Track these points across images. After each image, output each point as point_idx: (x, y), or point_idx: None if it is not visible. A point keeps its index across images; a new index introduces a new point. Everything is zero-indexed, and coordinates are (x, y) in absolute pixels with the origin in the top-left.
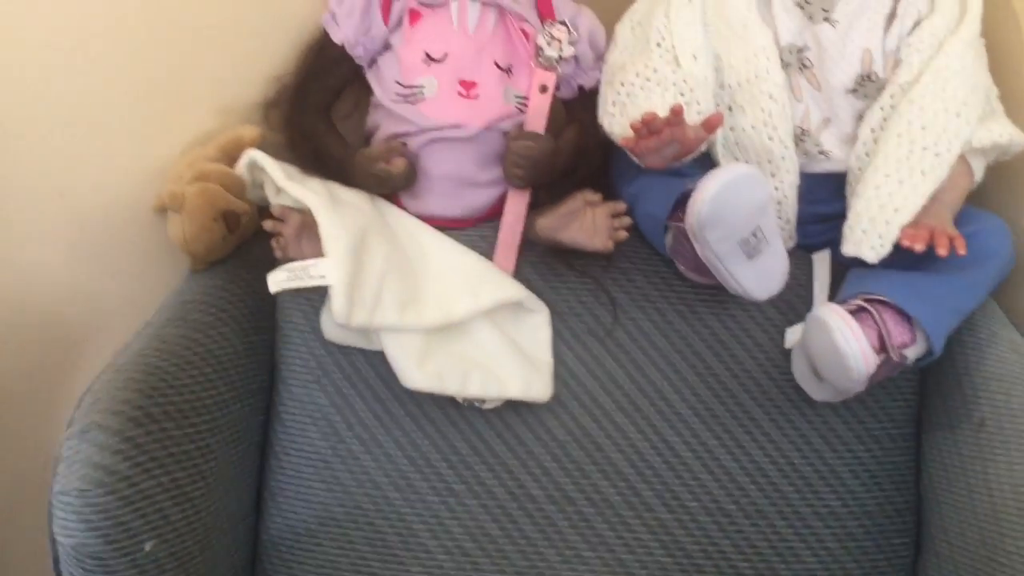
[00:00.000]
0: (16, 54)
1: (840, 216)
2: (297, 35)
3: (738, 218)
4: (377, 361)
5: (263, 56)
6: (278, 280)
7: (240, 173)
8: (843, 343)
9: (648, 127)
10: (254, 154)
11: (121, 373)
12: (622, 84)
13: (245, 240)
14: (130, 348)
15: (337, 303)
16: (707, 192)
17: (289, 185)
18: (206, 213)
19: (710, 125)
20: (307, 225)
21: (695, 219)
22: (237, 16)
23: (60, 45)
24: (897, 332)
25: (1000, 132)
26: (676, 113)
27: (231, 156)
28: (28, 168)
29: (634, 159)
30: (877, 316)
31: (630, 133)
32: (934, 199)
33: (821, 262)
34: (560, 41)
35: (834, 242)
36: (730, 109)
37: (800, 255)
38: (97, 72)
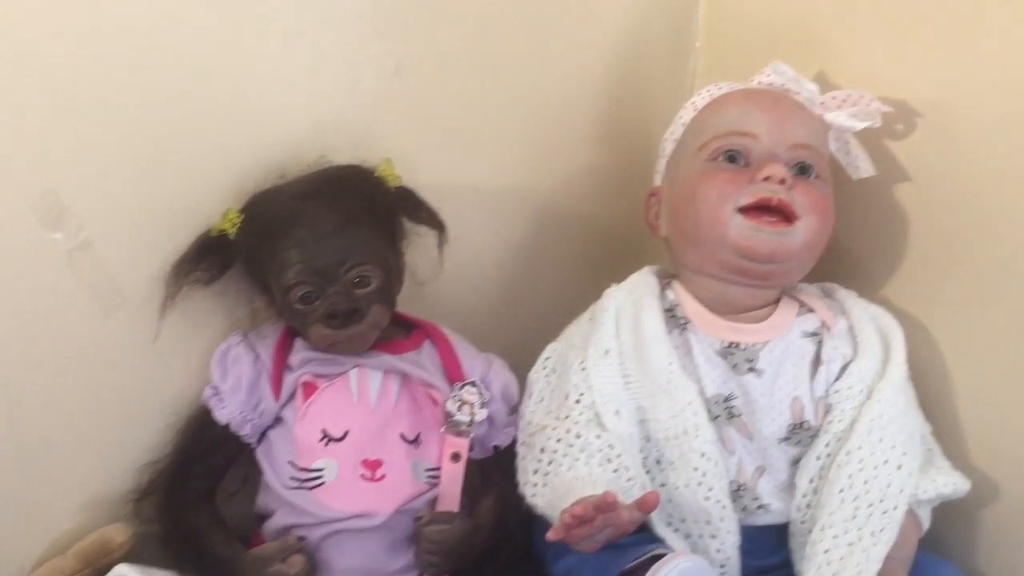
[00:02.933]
0: None
1: (784, 566)
2: (174, 414)
3: None
4: None
5: (134, 441)
6: None
7: None
8: None
9: (579, 520)
10: (123, 570)
11: None
12: (542, 451)
13: None
14: None
15: None
16: None
17: None
18: None
19: (646, 506)
20: None
21: None
22: (104, 398)
23: None
24: None
25: (944, 482)
26: (609, 504)
27: (96, 564)
28: None
29: None
30: None
31: (556, 507)
32: (887, 558)
33: None
34: (471, 404)
35: None
36: (658, 463)
37: None
38: None
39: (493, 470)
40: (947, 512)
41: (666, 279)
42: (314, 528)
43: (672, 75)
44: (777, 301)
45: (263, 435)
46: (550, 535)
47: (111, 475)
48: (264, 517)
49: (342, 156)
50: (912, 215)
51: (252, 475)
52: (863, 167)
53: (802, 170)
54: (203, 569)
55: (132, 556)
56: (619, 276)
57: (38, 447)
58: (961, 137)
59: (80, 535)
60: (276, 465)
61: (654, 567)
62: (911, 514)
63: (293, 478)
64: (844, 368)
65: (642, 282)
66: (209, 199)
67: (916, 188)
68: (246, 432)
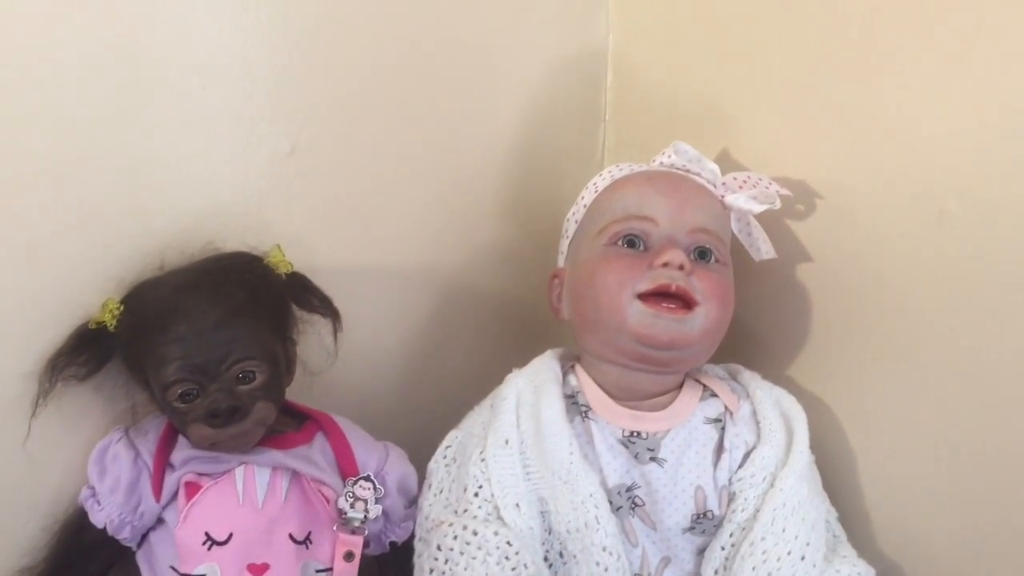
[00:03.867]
0: None
1: None
2: (48, 517)
3: None
4: None
5: (5, 545)
6: None
7: None
8: None
9: None
10: None
11: None
12: (439, 548)
13: None
14: None
15: None
16: None
17: None
18: None
19: None
20: None
21: None
22: None
23: None
24: None
25: (848, 572)
26: None
27: None
28: None
29: None
30: None
31: None
32: None
33: None
34: (365, 500)
35: None
36: (561, 556)
37: None
38: None
39: (390, 568)
40: None
41: (569, 363)
42: None
43: (582, 149)
44: (680, 386)
45: (144, 537)
46: None
47: None
48: None
49: (231, 243)
50: (814, 294)
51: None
52: (764, 249)
53: (701, 254)
54: None
55: None
56: (525, 356)
57: None
58: (860, 216)
59: None
60: (157, 570)
61: None
62: None
63: None
64: (747, 455)
65: (544, 367)
66: (88, 289)
67: (817, 267)
68: (125, 535)
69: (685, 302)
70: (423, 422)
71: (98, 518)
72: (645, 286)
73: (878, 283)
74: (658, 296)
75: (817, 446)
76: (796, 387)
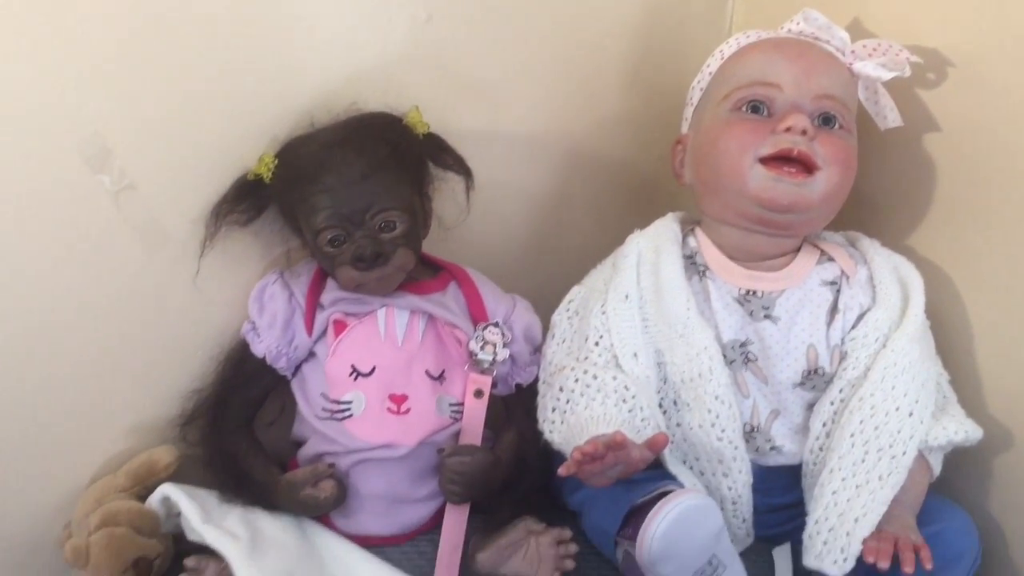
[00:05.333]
0: None
1: (797, 505)
2: (216, 346)
3: (691, 551)
4: None
5: (179, 370)
6: None
7: (153, 507)
8: None
9: (590, 456)
10: (168, 489)
11: None
12: (561, 390)
13: None
14: None
15: None
16: (656, 528)
17: (206, 530)
18: (114, 565)
19: (655, 446)
20: (225, 574)
21: (645, 555)
22: (150, 330)
23: None
24: None
25: (955, 429)
26: (619, 443)
27: (145, 482)
28: None
29: None
30: None
31: (571, 444)
32: (894, 500)
33: (782, 559)
34: (494, 344)
35: (794, 531)
36: (675, 404)
37: (760, 549)
38: None
39: (515, 407)
40: (961, 459)
41: (689, 226)
42: (343, 456)
43: (709, 21)
44: (798, 250)
45: (297, 368)
46: (561, 470)
47: (158, 402)
48: (299, 444)
49: (373, 104)
50: (939, 165)
51: (288, 406)
52: (891, 117)
53: (825, 120)
54: (242, 491)
55: (177, 477)
56: (646, 222)
57: (91, 376)
58: (992, 87)
59: (130, 456)
60: (309, 397)
61: (660, 503)
62: (921, 460)
63: (325, 409)
64: (861, 317)
65: (664, 229)
66: (246, 145)
67: (944, 137)
68: (281, 365)
69: (806, 166)
70: (547, 279)
71: (258, 349)
72: (767, 150)
73: (1005, 153)
74: (780, 160)
75: (933, 312)
76: (915, 255)
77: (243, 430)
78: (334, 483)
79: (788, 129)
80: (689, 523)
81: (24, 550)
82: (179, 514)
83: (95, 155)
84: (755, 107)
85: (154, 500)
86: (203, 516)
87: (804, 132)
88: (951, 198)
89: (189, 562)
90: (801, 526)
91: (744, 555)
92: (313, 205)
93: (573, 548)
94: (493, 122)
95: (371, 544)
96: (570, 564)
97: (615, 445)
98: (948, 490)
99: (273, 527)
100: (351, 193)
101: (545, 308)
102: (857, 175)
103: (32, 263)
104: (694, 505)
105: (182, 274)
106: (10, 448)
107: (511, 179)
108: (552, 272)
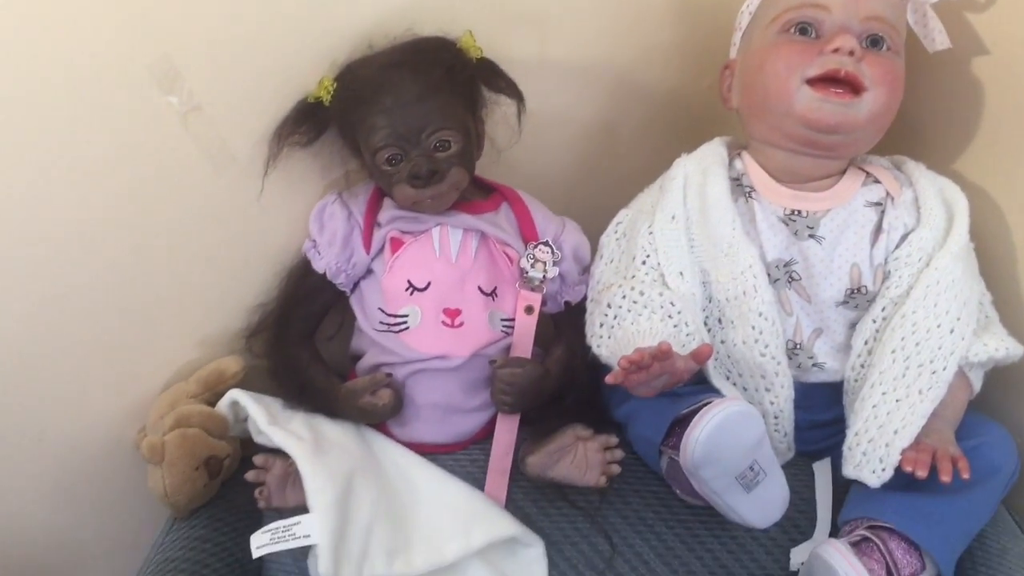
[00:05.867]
0: None
1: (838, 422)
2: (279, 263)
3: (733, 457)
4: None
5: (245, 286)
6: (260, 544)
7: (222, 411)
8: None
9: (636, 365)
10: (236, 394)
11: None
12: (609, 306)
13: (229, 479)
14: None
15: (323, 562)
16: (699, 433)
17: (272, 431)
18: (187, 463)
19: (700, 357)
20: (291, 472)
21: (689, 460)
22: (217, 247)
23: (34, 280)
24: (905, 562)
25: (996, 346)
26: (664, 352)
27: (214, 389)
28: (5, 415)
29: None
30: (883, 547)
31: (618, 357)
32: (934, 415)
33: (823, 472)
34: (544, 262)
35: (834, 447)
36: (719, 322)
37: (801, 463)
38: (75, 307)
39: (564, 324)
40: (1001, 377)
41: (736, 150)
42: (400, 367)
43: None
44: (843, 172)
45: (356, 285)
46: (608, 379)
47: (225, 316)
48: (357, 357)
49: (428, 29)
50: (987, 88)
51: (347, 321)
52: (939, 39)
53: (873, 42)
54: (304, 399)
55: (243, 386)
56: (693, 149)
57: (163, 289)
58: None
59: (200, 365)
60: (367, 311)
61: (704, 409)
62: (962, 376)
63: (382, 322)
64: (905, 237)
65: (711, 152)
66: (307, 68)
67: (992, 60)
68: (340, 281)
69: (853, 87)
70: (595, 205)
71: (318, 265)
72: (814, 71)
73: None
74: (827, 81)
75: (977, 234)
76: (961, 179)
77: (305, 342)
78: (391, 392)
79: (836, 50)
80: (732, 428)
81: (103, 452)
82: (246, 419)
83: (165, 77)
84: (803, 29)
85: (223, 405)
86: (269, 419)
87: (851, 53)
88: (998, 121)
89: (257, 459)
90: (841, 442)
91: (785, 468)
92: (371, 125)
93: (619, 454)
94: (543, 51)
95: (425, 452)
96: (616, 469)
97: (660, 355)
98: (988, 407)
99: (334, 431)
100: (408, 113)
101: (593, 233)
102: (904, 99)
103: (104, 182)
104: (737, 411)
105: (247, 193)
106: (90, 359)
107: (560, 107)
108: (600, 198)
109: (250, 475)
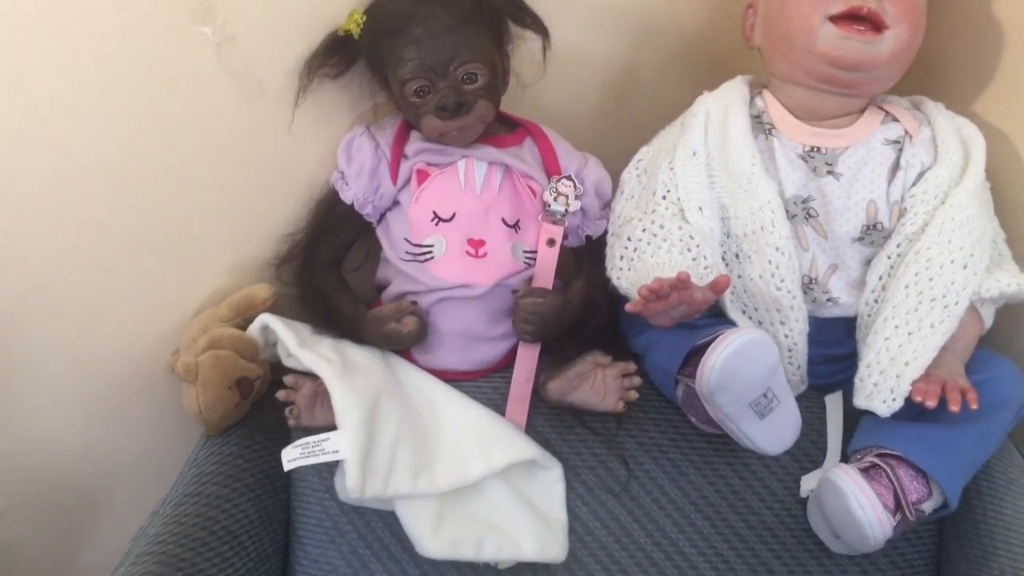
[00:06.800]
0: (29, 225)
1: (850, 356)
2: (307, 193)
3: (748, 383)
4: (392, 521)
5: (274, 215)
6: (291, 458)
7: (253, 335)
8: (858, 510)
9: (655, 294)
10: (266, 318)
11: (138, 566)
12: (629, 239)
13: (259, 400)
14: (146, 533)
15: (351, 477)
16: (716, 359)
17: (301, 353)
18: (220, 382)
19: (718, 287)
20: (319, 393)
21: (704, 385)
22: (248, 176)
23: (70, 208)
24: (912, 488)
25: (1008, 282)
26: (683, 281)
27: (244, 314)
28: (43, 337)
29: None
30: (891, 473)
31: (637, 287)
32: (944, 348)
33: (834, 404)
34: (566, 196)
35: (846, 382)
36: (737, 257)
37: (813, 396)
38: (109, 235)
39: (584, 257)
40: (1013, 314)
41: (757, 88)
42: (424, 295)
43: None
44: (863, 110)
45: (382, 216)
46: (628, 307)
47: (255, 243)
48: (383, 287)
49: None
50: (1007, 27)
51: (373, 252)
52: None
53: None
54: (331, 325)
55: (272, 312)
56: (715, 88)
57: (194, 218)
58: None
59: (230, 291)
60: (393, 241)
61: (720, 336)
62: (973, 311)
63: (408, 252)
64: (921, 175)
65: (733, 89)
66: (338, 1)
67: (1014, 0)
68: (367, 212)
69: (875, 25)
70: (617, 142)
71: (346, 196)
72: (837, 8)
73: None
74: (849, 18)
75: (994, 175)
76: (979, 119)
77: (333, 271)
78: (416, 319)
79: None
80: (747, 355)
81: (139, 374)
82: (275, 344)
83: (199, 6)
84: None
85: (254, 329)
86: (298, 341)
87: None
88: (1018, 63)
89: (287, 379)
90: (853, 376)
91: (798, 400)
92: (400, 57)
93: (637, 380)
94: None
95: (448, 379)
96: (634, 395)
97: (679, 284)
98: (998, 344)
99: (361, 355)
100: (436, 45)
101: (615, 170)
102: (925, 38)
103: (138, 111)
104: (752, 339)
105: (277, 123)
106: (126, 285)
107: (585, 46)
108: (622, 136)
109: (281, 394)
